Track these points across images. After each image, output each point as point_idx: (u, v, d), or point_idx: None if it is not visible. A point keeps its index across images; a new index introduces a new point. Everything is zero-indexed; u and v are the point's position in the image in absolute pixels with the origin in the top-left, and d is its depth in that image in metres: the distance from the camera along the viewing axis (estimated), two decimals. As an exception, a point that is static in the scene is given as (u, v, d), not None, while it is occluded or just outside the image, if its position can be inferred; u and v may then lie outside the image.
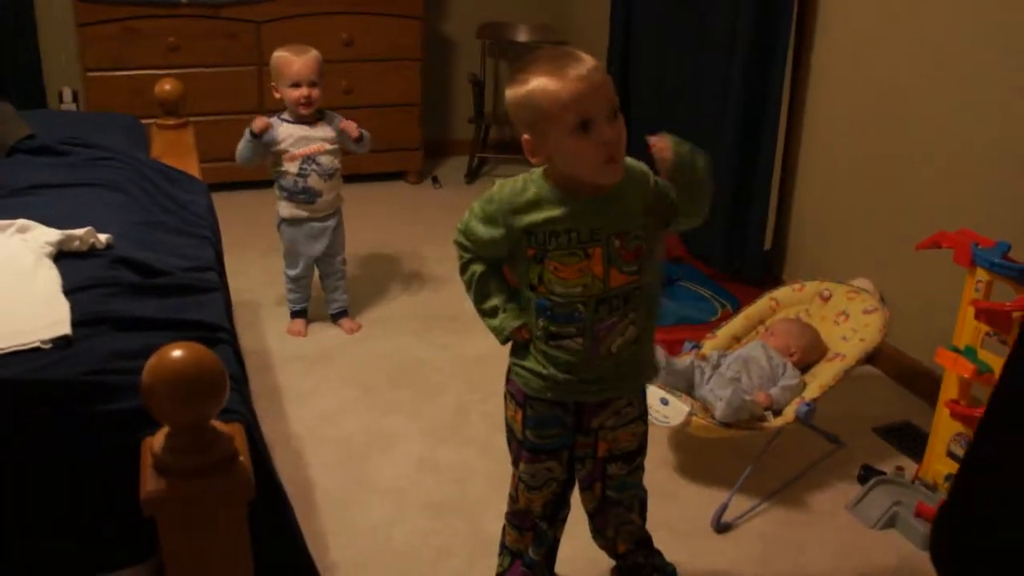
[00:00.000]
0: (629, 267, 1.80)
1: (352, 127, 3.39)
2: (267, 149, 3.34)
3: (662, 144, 1.75)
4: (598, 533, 2.15)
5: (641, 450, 2.05)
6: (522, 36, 5.37)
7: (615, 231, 1.78)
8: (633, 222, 1.79)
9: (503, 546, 2.17)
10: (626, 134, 1.72)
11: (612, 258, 1.78)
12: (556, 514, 2.10)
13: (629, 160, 1.80)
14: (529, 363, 1.90)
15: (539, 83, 1.68)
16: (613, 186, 1.77)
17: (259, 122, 3.30)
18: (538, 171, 1.82)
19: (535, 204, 1.78)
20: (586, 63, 1.69)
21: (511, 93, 1.74)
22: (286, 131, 3.33)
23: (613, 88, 1.71)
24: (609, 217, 1.77)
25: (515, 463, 2.03)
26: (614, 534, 2.12)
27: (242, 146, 3.33)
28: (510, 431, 2.02)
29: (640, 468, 2.07)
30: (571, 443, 1.99)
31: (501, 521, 2.20)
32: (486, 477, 2.75)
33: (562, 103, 1.66)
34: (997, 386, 1.62)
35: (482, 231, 1.86)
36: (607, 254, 1.78)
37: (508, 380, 1.99)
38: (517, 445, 2.00)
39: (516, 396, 1.96)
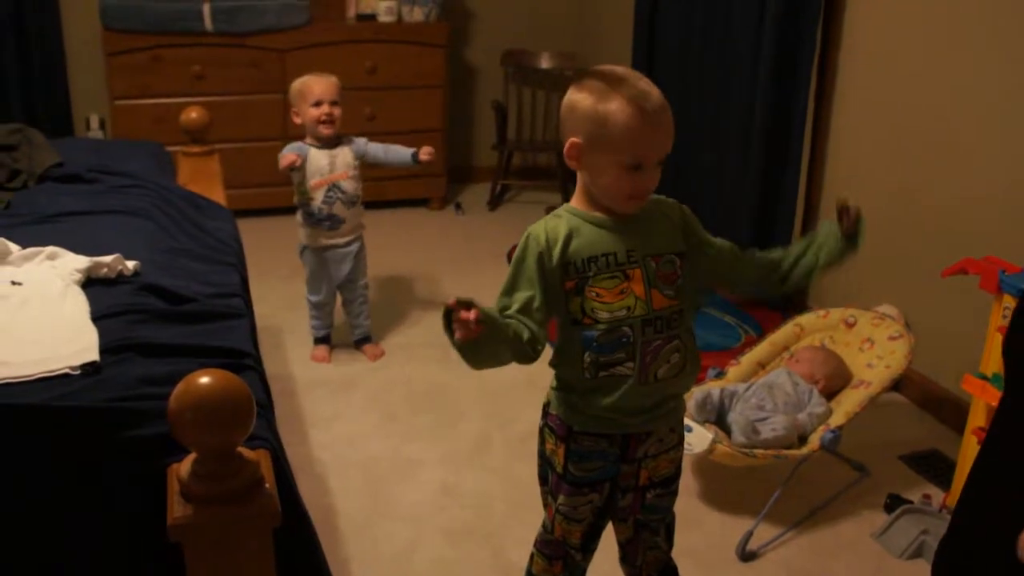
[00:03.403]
0: (668, 290, 1.81)
1: (429, 152, 3.46)
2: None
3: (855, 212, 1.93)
4: (626, 562, 2.13)
5: (678, 475, 2.04)
6: (545, 63, 5.40)
7: (649, 252, 1.79)
8: (665, 245, 1.82)
9: (528, 573, 2.15)
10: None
11: (652, 279, 1.79)
12: (590, 545, 2.08)
13: (660, 197, 1.87)
14: (573, 398, 1.89)
15: (620, 110, 1.69)
16: (645, 209, 1.81)
17: (285, 160, 3.30)
18: (563, 208, 1.84)
19: (568, 236, 1.78)
20: (664, 103, 1.72)
21: (583, 99, 1.73)
22: (313, 157, 3.36)
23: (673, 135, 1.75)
24: (640, 238, 1.79)
25: (553, 495, 2.01)
26: (642, 561, 2.11)
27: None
28: (548, 464, 1.99)
29: (674, 493, 2.06)
30: (614, 474, 1.97)
31: (523, 548, 2.18)
32: (508, 504, 2.74)
33: (633, 140, 1.70)
34: (997, 409, 1.62)
35: (524, 291, 1.79)
36: (646, 275, 1.79)
37: (547, 414, 1.96)
38: (557, 479, 1.96)
39: (557, 430, 1.93)
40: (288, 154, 3.32)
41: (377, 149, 3.48)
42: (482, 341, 1.68)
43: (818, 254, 1.93)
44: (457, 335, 1.66)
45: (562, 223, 1.80)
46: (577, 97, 1.75)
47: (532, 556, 2.13)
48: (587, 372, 1.82)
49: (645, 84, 1.74)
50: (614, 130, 1.70)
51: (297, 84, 3.38)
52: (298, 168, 3.33)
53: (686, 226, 1.88)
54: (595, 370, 1.81)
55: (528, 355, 1.79)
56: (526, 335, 1.75)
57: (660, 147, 1.73)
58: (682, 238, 1.85)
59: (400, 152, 3.49)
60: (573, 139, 1.75)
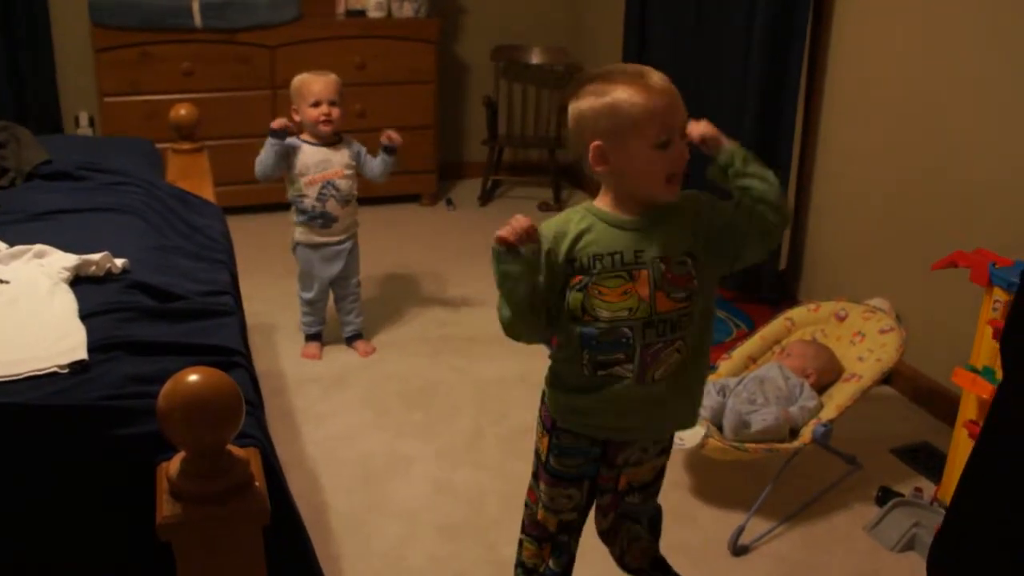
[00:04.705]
0: (678, 293, 1.78)
1: (395, 137, 3.43)
2: (286, 159, 3.35)
3: (701, 129, 1.75)
4: (605, 541, 2.15)
5: (657, 479, 2.06)
6: (536, 59, 5.39)
7: (659, 255, 1.77)
8: (677, 248, 1.78)
9: (519, 563, 2.15)
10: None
11: (658, 282, 1.77)
12: (571, 527, 2.09)
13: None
14: (560, 394, 1.90)
15: (626, 94, 1.69)
16: (659, 210, 1.79)
17: (278, 120, 3.32)
18: (582, 205, 1.83)
19: (579, 234, 1.78)
20: (665, 79, 1.73)
21: (585, 102, 1.73)
22: (307, 153, 3.35)
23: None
24: (653, 240, 1.77)
25: (535, 479, 2.04)
26: (621, 552, 2.12)
27: (263, 155, 3.33)
28: (536, 451, 2.03)
29: (654, 495, 2.07)
30: (594, 474, 1.98)
31: (516, 544, 2.18)
32: (501, 500, 2.74)
33: (650, 115, 1.69)
34: (993, 400, 1.62)
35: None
36: (653, 277, 1.77)
37: (542, 403, 1.98)
38: (541, 468, 2.00)
39: (544, 422, 1.96)
40: (280, 118, 3.34)
41: (368, 160, 3.47)
42: (524, 258, 1.72)
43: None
44: (504, 231, 1.69)
45: (575, 218, 1.80)
46: (579, 105, 1.75)
47: (520, 544, 2.13)
48: (586, 370, 1.83)
49: (637, 66, 1.75)
50: (628, 115, 1.69)
51: (297, 82, 3.36)
52: (291, 144, 3.33)
53: (698, 214, 1.81)
54: (593, 368, 1.82)
55: (540, 320, 1.80)
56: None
57: (677, 115, 1.72)
58: (692, 233, 1.80)
59: (379, 158, 3.47)
60: (593, 144, 1.74)
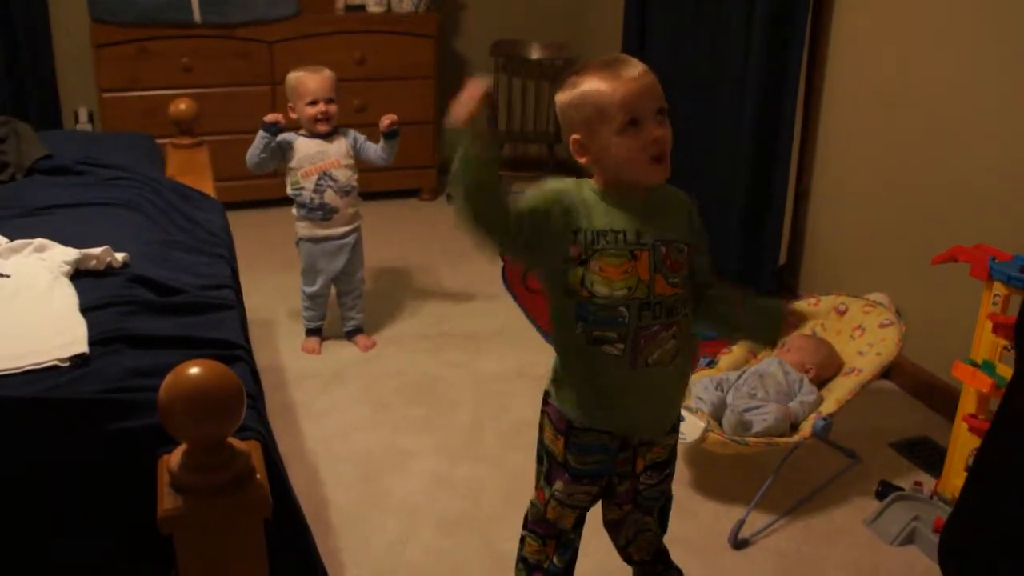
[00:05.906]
0: (674, 278, 1.80)
1: (391, 117, 3.40)
2: (282, 154, 3.35)
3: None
4: (610, 530, 2.14)
5: (672, 459, 2.05)
6: (535, 54, 5.39)
7: (661, 238, 1.79)
8: (676, 233, 1.82)
9: (521, 559, 2.15)
10: (671, 136, 1.76)
11: (658, 264, 1.78)
12: (577, 521, 2.09)
13: (673, 188, 1.87)
14: (573, 395, 1.89)
15: (592, 84, 1.73)
16: (658, 197, 1.81)
17: (272, 115, 3.31)
18: (584, 180, 1.84)
19: (584, 204, 1.78)
20: (636, 66, 1.75)
21: (562, 97, 1.78)
22: (303, 146, 3.35)
23: (661, 90, 1.75)
24: (654, 223, 1.79)
25: (548, 480, 2.01)
26: (626, 542, 2.11)
27: (253, 145, 3.32)
28: (547, 452, 1.99)
29: (670, 476, 2.06)
30: (611, 471, 1.98)
31: (516, 538, 2.18)
32: (500, 494, 2.74)
33: (614, 101, 1.71)
34: (1007, 390, 1.62)
35: (530, 201, 1.77)
36: (653, 259, 1.78)
37: (546, 403, 1.97)
38: (557, 466, 1.97)
39: (557, 424, 1.93)
40: (274, 113, 3.33)
41: (367, 147, 3.47)
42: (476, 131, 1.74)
43: (745, 325, 1.97)
44: (457, 112, 1.75)
45: (580, 186, 1.81)
46: (558, 100, 1.79)
47: (523, 539, 2.13)
48: (579, 340, 1.81)
49: (613, 56, 1.77)
50: (593, 103, 1.72)
51: (292, 80, 3.36)
52: (285, 142, 3.33)
53: (692, 223, 1.87)
54: (585, 340, 1.81)
55: (502, 214, 1.72)
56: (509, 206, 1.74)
57: (645, 94, 1.72)
58: (688, 231, 1.85)
59: (381, 143, 3.46)
60: (572, 138, 1.77)
